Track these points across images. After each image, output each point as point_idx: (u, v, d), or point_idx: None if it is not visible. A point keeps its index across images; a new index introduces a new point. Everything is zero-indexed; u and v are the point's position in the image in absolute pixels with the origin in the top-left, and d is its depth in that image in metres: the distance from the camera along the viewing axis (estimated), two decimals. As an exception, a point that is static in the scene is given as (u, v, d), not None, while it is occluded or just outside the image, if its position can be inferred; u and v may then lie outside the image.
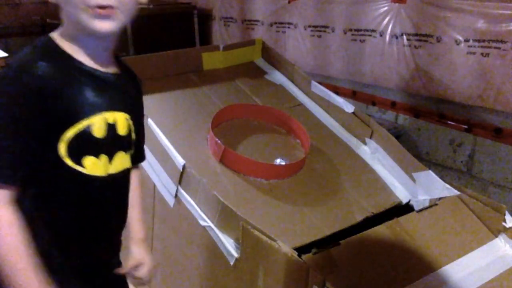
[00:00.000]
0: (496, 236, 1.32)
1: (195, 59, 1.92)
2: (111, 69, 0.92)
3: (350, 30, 3.07)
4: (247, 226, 1.17)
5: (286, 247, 1.10)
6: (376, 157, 1.64)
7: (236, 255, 1.22)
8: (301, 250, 1.17)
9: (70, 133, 0.83)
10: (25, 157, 0.81)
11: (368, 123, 1.68)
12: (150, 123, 1.46)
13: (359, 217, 1.41)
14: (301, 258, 1.08)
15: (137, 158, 1.04)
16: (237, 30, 4.14)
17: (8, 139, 0.79)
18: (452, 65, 2.49)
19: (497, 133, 2.34)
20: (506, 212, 1.32)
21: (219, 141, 1.47)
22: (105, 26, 0.82)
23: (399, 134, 2.83)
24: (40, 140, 0.81)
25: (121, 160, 0.94)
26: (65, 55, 0.85)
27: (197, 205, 1.35)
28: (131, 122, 0.95)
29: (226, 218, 1.26)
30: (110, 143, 0.90)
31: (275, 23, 3.68)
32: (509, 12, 2.20)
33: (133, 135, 0.97)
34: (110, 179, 0.92)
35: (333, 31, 3.21)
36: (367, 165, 1.64)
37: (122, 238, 1.03)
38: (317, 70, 3.37)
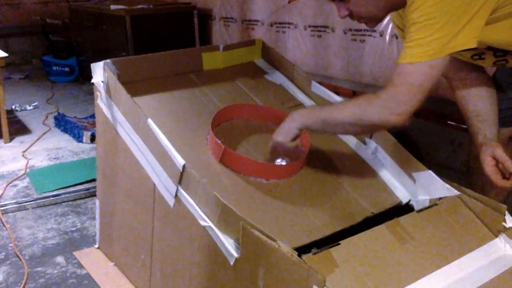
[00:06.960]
0: (496, 236, 1.32)
1: (195, 59, 1.92)
2: None
3: (350, 30, 3.07)
4: (247, 226, 1.17)
5: (286, 247, 1.10)
6: (376, 157, 1.64)
7: (236, 255, 1.22)
8: (301, 250, 1.17)
9: None
10: None
11: (368, 123, 1.68)
12: (150, 123, 1.46)
13: (359, 217, 1.41)
14: (301, 258, 1.08)
15: None
16: (237, 30, 4.14)
17: None
18: (452, 65, 2.48)
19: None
20: (506, 212, 1.32)
21: (219, 141, 1.47)
22: None
23: (399, 134, 2.83)
24: None
25: None
26: None
27: (197, 205, 1.35)
28: None
29: (226, 218, 1.26)
30: None
31: (275, 23, 3.68)
32: (509, 12, 2.20)
33: None
34: None
35: (333, 31, 3.21)
36: (367, 165, 1.64)
37: None
38: (317, 70, 3.37)
